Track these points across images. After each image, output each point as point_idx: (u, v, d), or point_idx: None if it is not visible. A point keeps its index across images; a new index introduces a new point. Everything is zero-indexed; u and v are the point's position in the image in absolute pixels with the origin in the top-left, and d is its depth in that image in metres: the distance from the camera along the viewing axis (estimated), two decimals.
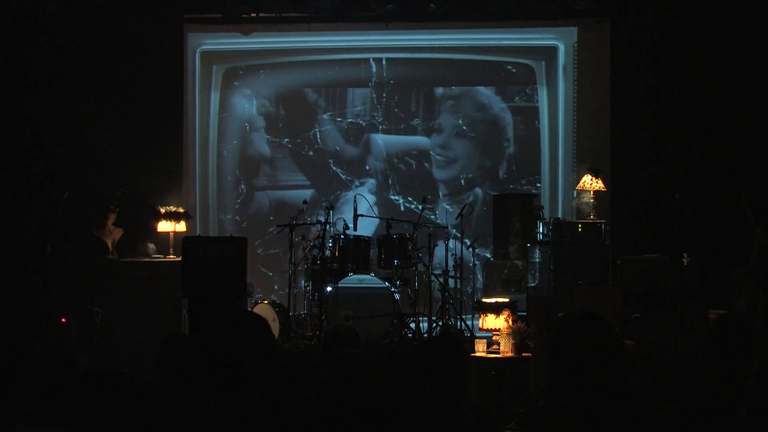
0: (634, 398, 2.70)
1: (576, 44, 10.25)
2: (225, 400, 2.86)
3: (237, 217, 10.56)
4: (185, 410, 3.37)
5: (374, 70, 10.57)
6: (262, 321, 3.05)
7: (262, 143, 10.60)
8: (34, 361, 3.64)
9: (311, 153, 10.59)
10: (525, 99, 10.47)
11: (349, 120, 10.59)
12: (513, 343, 7.42)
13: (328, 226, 8.66)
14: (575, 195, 9.22)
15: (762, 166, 8.98)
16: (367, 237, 8.87)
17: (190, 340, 3.96)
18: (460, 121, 10.51)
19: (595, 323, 2.63)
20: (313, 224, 9.00)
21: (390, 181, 10.50)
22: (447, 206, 10.37)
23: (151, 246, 9.38)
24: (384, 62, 10.56)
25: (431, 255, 8.99)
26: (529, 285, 8.46)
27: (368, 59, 10.59)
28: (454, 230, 9.39)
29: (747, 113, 9.37)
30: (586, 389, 2.55)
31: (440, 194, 10.46)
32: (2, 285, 9.07)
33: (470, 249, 9.28)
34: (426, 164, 10.51)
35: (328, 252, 8.67)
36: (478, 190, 10.43)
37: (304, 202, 9.24)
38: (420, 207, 9.15)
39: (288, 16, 10.05)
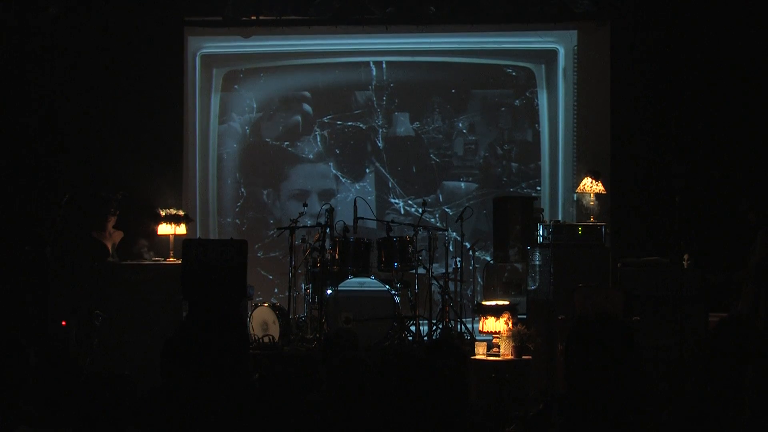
0: (645, 400, 2.69)
1: (576, 47, 10.25)
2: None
3: (237, 220, 10.56)
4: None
5: (374, 73, 10.57)
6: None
7: (262, 146, 10.60)
8: (30, 365, 3.64)
9: (311, 156, 10.59)
10: (525, 102, 10.48)
11: (350, 123, 10.59)
12: (513, 346, 7.43)
13: (328, 229, 8.66)
14: (575, 198, 9.22)
15: (764, 168, 8.98)
16: (368, 240, 8.87)
17: (192, 341, 3.95)
18: (460, 125, 10.51)
19: (612, 325, 2.61)
20: (313, 227, 9.00)
21: (390, 185, 10.50)
22: (447, 209, 10.37)
23: (143, 243, 9.33)
24: (384, 65, 10.56)
25: (431, 258, 8.99)
26: (529, 288, 8.45)
27: (368, 62, 10.59)
28: (455, 233, 9.39)
29: (747, 115, 9.37)
30: (602, 391, 2.53)
31: (440, 197, 10.46)
32: (2, 287, 9.06)
33: (470, 252, 9.28)
34: (426, 167, 10.51)
35: (328, 255, 8.67)
36: (478, 193, 10.42)
37: (304, 204, 9.23)
38: (420, 210, 9.15)
39: (288, 19, 10.07)
